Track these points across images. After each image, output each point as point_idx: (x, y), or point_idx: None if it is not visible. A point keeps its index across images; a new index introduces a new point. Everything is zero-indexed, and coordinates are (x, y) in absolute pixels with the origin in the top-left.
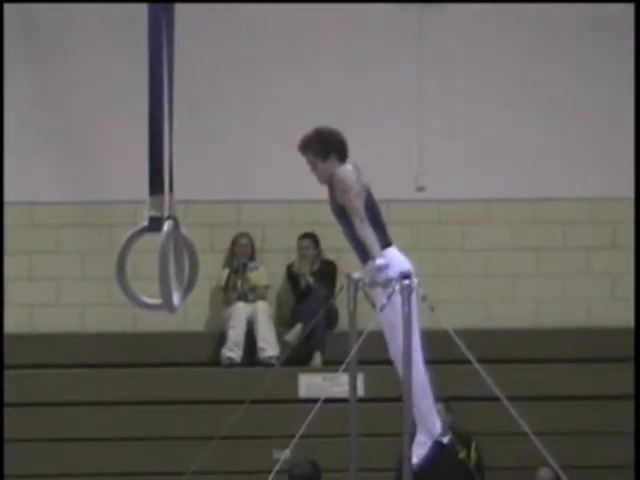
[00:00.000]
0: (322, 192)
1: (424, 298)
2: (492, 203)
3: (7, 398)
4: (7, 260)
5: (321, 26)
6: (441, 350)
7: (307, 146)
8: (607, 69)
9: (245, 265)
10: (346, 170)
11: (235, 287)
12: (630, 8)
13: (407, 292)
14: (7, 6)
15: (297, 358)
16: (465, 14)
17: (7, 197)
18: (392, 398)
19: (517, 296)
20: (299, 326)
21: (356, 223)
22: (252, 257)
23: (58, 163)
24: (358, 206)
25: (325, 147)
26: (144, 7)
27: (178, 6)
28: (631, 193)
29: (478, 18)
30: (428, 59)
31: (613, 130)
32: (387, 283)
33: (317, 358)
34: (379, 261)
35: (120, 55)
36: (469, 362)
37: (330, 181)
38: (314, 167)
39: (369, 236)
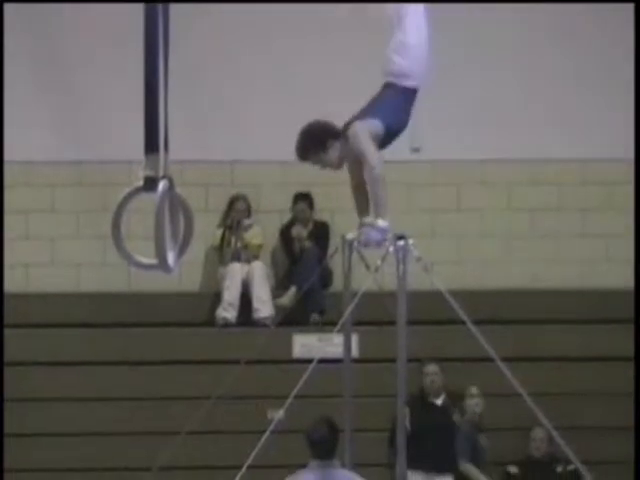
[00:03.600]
0: None
1: (418, 259)
2: (487, 164)
3: (5, 357)
4: (7, 219)
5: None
6: (435, 311)
7: (305, 152)
8: (604, 31)
9: (239, 222)
10: (357, 129)
11: (229, 244)
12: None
13: (402, 253)
14: None
15: (293, 319)
16: None
17: (4, 156)
18: (386, 359)
19: (512, 257)
20: (293, 289)
21: (370, 174)
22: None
23: (53, 123)
24: (375, 157)
25: (318, 141)
26: None
27: None
28: (625, 155)
29: None
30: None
31: (608, 92)
32: (381, 243)
33: (314, 318)
34: (383, 223)
35: (117, 15)
36: (463, 323)
37: (342, 162)
38: (323, 164)
39: (382, 193)
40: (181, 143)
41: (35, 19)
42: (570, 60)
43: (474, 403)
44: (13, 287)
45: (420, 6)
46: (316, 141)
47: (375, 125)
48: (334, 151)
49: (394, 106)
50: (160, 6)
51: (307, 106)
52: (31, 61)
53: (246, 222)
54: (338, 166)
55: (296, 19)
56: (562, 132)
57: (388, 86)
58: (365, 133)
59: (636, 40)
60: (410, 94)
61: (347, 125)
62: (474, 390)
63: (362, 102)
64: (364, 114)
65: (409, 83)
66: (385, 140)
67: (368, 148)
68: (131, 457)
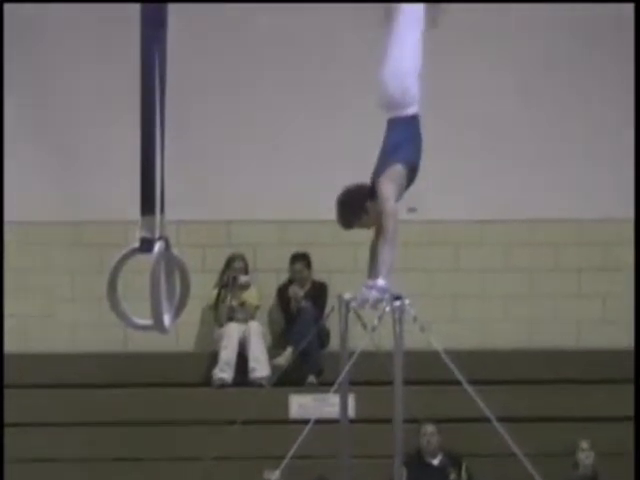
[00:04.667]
0: (313, 213)
1: (415, 319)
2: (483, 224)
3: None
4: (5, 278)
5: (309, 50)
6: (432, 371)
7: (349, 222)
8: (601, 93)
9: (235, 279)
10: (382, 189)
11: (225, 302)
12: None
13: (398, 313)
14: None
15: (289, 379)
16: (455, 40)
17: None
18: (383, 419)
19: (509, 317)
20: (290, 349)
21: (385, 234)
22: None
23: (51, 183)
24: (393, 220)
25: (358, 207)
26: (138, 33)
27: (170, 24)
28: (621, 214)
29: (471, 40)
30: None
31: (604, 153)
32: (378, 303)
33: (311, 379)
34: (382, 282)
35: (115, 76)
36: (460, 383)
37: (380, 217)
38: (367, 226)
39: (389, 254)
40: (178, 203)
41: (35, 81)
42: (566, 122)
43: (584, 456)
44: (10, 347)
45: (412, 23)
46: (356, 208)
47: (398, 171)
48: (373, 211)
49: (407, 141)
50: (157, 66)
51: (303, 167)
52: (29, 121)
53: (243, 279)
54: (377, 222)
55: (293, 82)
56: (557, 193)
57: (393, 123)
58: (390, 190)
59: (636, 40)
60: (415, 120)
61: (374, 180)
62: (585, 444)
63: (358, 169)
64: (384, 163)
65: (412, 111)
66: (411, 175)
67: (388, 209)
68: None
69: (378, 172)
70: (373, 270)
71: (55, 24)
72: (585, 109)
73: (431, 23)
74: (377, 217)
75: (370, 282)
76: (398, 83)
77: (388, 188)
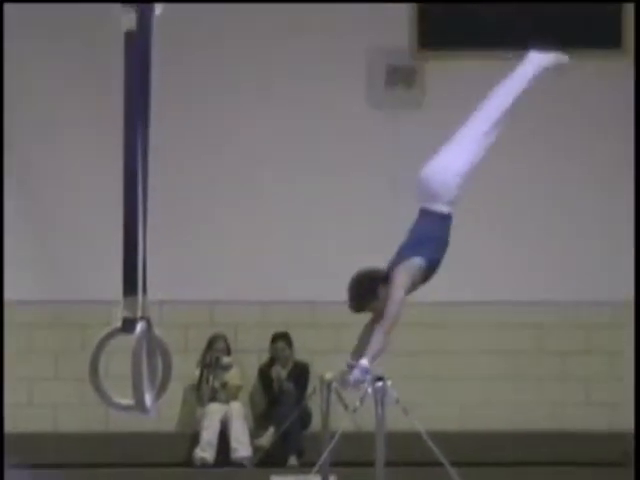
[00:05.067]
0: (294, 293)
1: (397, 400)
2: (467, 306)
3: None
4: None
5: (297, 122)
6: (414, 452)
7: (360, 305)
8: (588, 175)
9: (218, 360)
10: (396, 279)
11: (208, 383)
12: None
13: (380, 394)
14: None
15: (271, 459)
16: (441, 114)
17: None
18: None
19: (492, 399)
20: (271, 430)
21: (384, 320)
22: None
23: (30, 262)
24: (396, 309)
25: (371, 291)
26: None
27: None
28: (607, 298)
29: (455, 118)
30: (403, 160)
31: (591, 236)
32: (359, 384)
33: (292, 461)
34: (364, 362)
35: (98, 155)
36: (442, 465)
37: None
38: (377, 310)
39: (381, 341)
40: (160, 283)
41: (18, 159)
42: (553, 206)
43: None
44: None
45: (475, 129)
46: (369, 292)
47: (417, 264)
48: (383, 296)
49: (434, 238)
50: (140, 142)
51: (285, 247)
52: (11, 200)
53: (225, 360)
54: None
55: (279, 159)
56: (540, 275)
57: (425, 214)
58: (403, 280)
59: (636, 41)
60: (447, 220)
61: (392, 266)
62: None
63: (338, 247)
64: (406, 253)
65: (446, 209)
66: (428, 273)
67: (395, 297)
68: None
69: (397, 260)
70: (358, 351)
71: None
72: (570, 191)
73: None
74: (385, 303)
75: (353, 362)
76: (442, 177)
77: (402, 277)
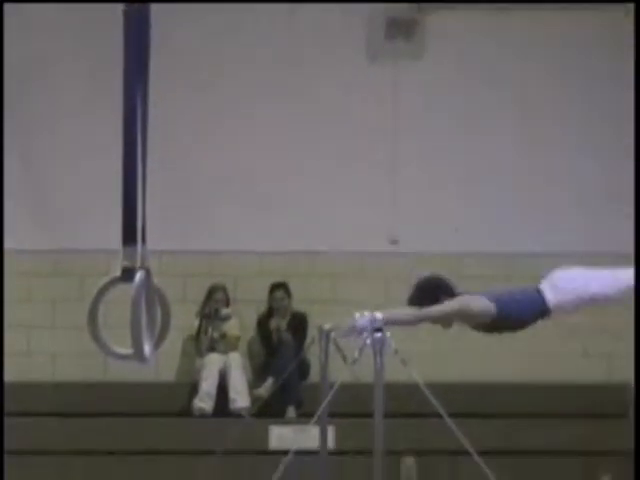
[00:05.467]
0: (292, 244)
1: (396, 351)
2: (465, 258)
3: None
4: None
5: (299, 81)
6: (413, 403)
7: (418, 304)
8: (591, 136)
9: (217, 311)
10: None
11: (207, 334)
12: None
13: (379, 345)
14: None
15: (269, 410)
16: (439, 68)
17: None
18: (363, 451)
19: (490, 351)
20: (270, 381)
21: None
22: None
23: (30, 211)
24: (448, 308)
25: (432, 297)
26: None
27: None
28: (603, 248)
29: (453, 72)
30: (403, 112)
31: (585, 187)
32: (363, 331)
33: (291, 412)
34: (379, 314)
35: (97, 101)
36: (440, 416)
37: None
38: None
39: (405, 315)
40: (160, 234)
41: (19, 106)
42: (544, 159)
43: None
44: None
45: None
46: (430, 297)
47: (485, 304)
48: None
49: (520, 302)
50: (140, 89)
51: (284, 198)
52: (8, 149)
53: (224, 312)
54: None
55: (279, 112)
56: (538, 226)
57: (533, 291)
58: (471, 304)
59: (636, 41)
60: (541, 307)
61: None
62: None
63: (341, 199)
64: (492, 293)
65: (549, 300)
66: (493, 326)
67: (457, 302)
68: None
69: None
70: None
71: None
72: (564, 151)
73: None
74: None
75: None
76: (571, 283)
77: (471, 302)
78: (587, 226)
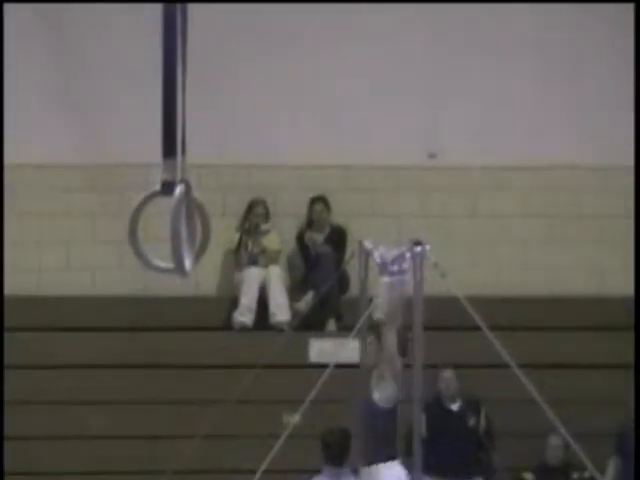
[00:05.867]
0: (331, 158)
1: (435, 265)
2: (502, 171)
3: (17, 360)
4: (18, 222)
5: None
6: (451, 316)
7: None
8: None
9: (257, 226)
10: None
11: (247, 249)
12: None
13: (419, 259)
14: None
15: (310, 323)
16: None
17: (18, 159)
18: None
19: (528, 264)
20: (310, 294)
21: None
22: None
23: (70, 126)
24: None
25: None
26: None
27: None
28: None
29: None
30: (440, 26)
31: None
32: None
33: (331, 324)
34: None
35: (134, 20)
36: (479, 329)
37: None
38: None
39: None
40: (199, 147)
41: (51, 22)
42: (589, 69)
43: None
44: (28, 290)
45: None
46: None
47: None
48: None
49: None
50: (179, 8)
51: (324, 113)
52: (47, 63)
53: (264, 227)
54: None
55: (313, 28)
56: (577, 139)
57: None
58: None
59: (636, 41)
60: None
61: None
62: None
63: (379, 114)
64: None
65: None
66: None
67: None
68: (147, 460)
69: None
70: None
71: None
72: (605, 61)
73: None
74: None
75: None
76: None
77: None
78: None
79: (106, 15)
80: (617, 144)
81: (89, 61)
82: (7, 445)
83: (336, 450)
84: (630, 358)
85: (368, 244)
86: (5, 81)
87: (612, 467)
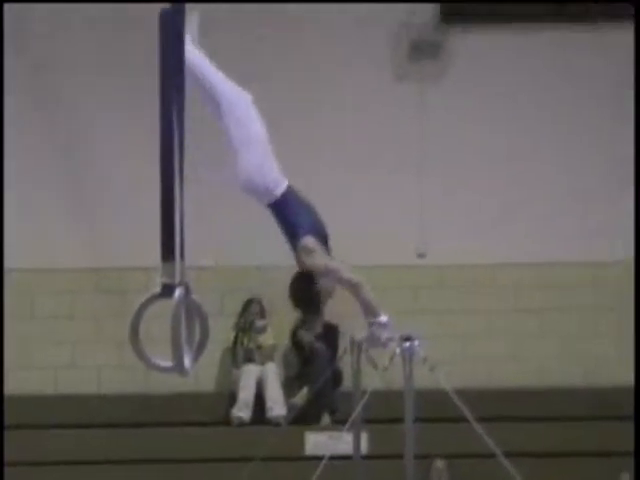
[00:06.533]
0: None
1: (424, 359)
2: (492, 268)
3: (29, 457)
4: (31, 325)
5: (324, 97)
6: (442, 409)
7: (317, 308)
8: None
9: (252, 324)
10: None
11: (243, 345)
12: None
13: (408, 353)
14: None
15: (305, 417)
16: (464, 86)
17: (27, 264)
18: (395, 455)
19: (518, 356)
20: (305, 389)
21: (350, 286)
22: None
23: (72, 232)
24: (342, 272)
25: (313, 294)
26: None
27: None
28: (625, 256)
29: (478, 89)
30: (429, 125)
31: (613, 195)
32: (389, 342)
33: (326, 419)
34: (384, 318)
35: (135, 123)
36: (468, 421)
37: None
38: (331, 295)
39: (367, 295)
40: (197, 250)
41: (57, 127)
42: (570, 165)
43: None
44: (40, 389)
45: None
46: (314, 296)
47: (308, 243)
48: (325, 285)
49: (295, 214)
50: (176, 114)
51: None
52: (51, 168)
53: (259, 324)
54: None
55: (307, 125)
56: (567, 236)
57: (273, 208)
58: (316, 262)
59: (636, 40)
60: (290, 193)
61: (300, 265)
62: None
63: (368, 213)
64: (294, 247)
65: (280, 190)
66: (322, 240)
67: (331, 269)
68: None
69: (295, 257)
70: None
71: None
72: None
73: None
74: (332, 284)
75: (372, 320)
76: (257, 177)
77: (313, 261)
78: (618, 237)
79: (108, 120)
80: (604, 241)
81: (91, 166)
82: None
83: None
84: (621, 447)
85: (359, 337)
86: (11, 192)
87: None
